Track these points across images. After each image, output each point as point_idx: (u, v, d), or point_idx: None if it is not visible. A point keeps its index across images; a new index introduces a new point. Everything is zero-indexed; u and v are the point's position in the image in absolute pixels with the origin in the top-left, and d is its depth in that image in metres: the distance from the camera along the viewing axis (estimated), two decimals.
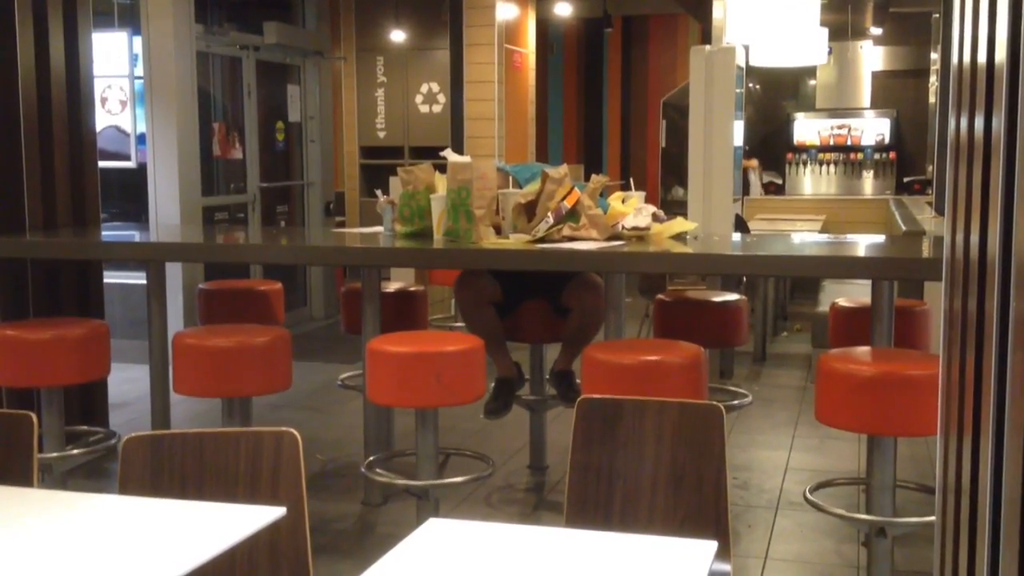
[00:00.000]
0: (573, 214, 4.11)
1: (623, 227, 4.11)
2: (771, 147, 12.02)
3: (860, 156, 11.70)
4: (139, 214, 7.48)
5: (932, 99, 10.77)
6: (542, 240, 4.01)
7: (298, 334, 7.82)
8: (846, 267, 3.77)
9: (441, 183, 4.28)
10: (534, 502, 4.66)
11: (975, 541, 1.69)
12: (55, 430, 4.10)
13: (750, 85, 11.64)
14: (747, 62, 6.83)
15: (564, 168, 4.24)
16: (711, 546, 1.90)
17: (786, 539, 4.10)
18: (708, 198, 6.69)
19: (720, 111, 6.60)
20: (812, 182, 11.82)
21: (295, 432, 2.23)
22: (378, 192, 4.58)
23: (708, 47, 6.21)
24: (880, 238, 4.86)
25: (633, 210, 4.18)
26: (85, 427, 4.64)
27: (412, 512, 3.99)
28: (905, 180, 11.53)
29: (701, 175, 6.61)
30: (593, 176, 4.31)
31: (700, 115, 6.60)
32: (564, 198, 4.11)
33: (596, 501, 2.57)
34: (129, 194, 7.57)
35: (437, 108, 10.83)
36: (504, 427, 4.97)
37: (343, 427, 5.62)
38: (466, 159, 4.16)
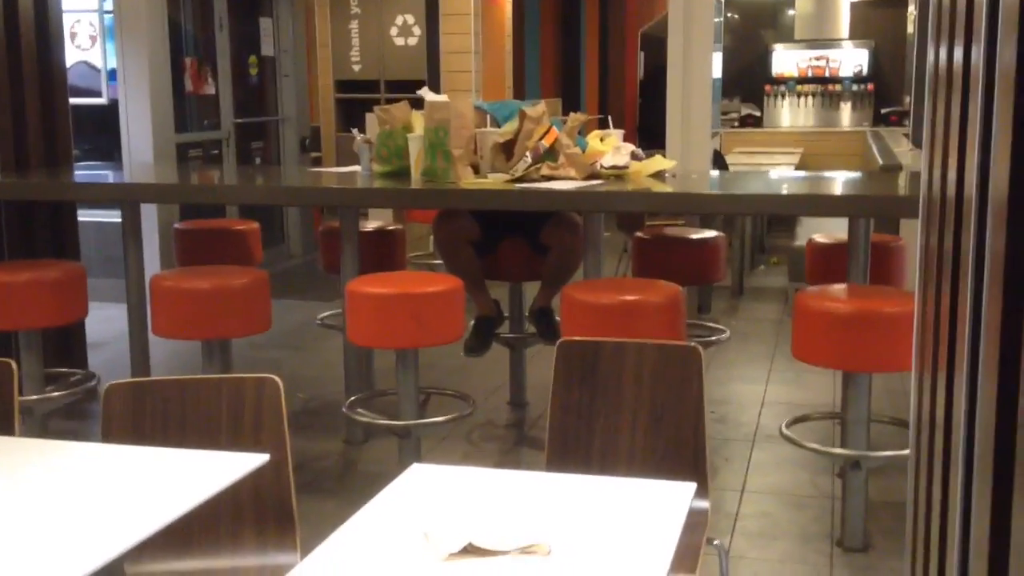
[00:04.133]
0: (551, 153, 4.09)
1: (601, 166, 4.10)
2: (749, 79, 11.95)
3: (838, 88, 11.66)
4: (111, 151, 7.39)
5: (910, 29, 10.72)
6: (520, 180, 4.00)
7: (276, 272, 7.80)
8: (823, 205, 3.78)
9: (418, 122, 4.25)
10: (514, 438, 4.71)
11: (948, 475, 1.72)
12: (34, 373, 4.10)
13: (728, 15, 11.55)
14: (726, 14, 6.76)
15: (542, 106, 4.21)
16: (690, 487, 1.93)
17: (763, 472, 4.17)
18: (686, 131, 6.68)
19: (698, 44, 6.55)
20: (790, 114, 11.79)
21: (276, 378, 2.24)
22: (354, 131, 4.54)
23: None
24: (857, 175, 4.87)
25: (612, 148, 4.16)
26: (64, 369, 4.63)
27: (394, 450, 4.02)
28: (883, 111, 11.51)
29: (680, 108, 6.59)
30: (571, 114, 4.29)
31: (679, 48, 6.55)
32: (542, 137, 4.10)
33: (577, 441, 2.60)
34: (101, 131, 7.47)
35: (412, 41, 10.68)
36: (484, 364, 5.00)
37: (323, 365, 5.64)
38: (443, 98, 4.13)
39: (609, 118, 4.62)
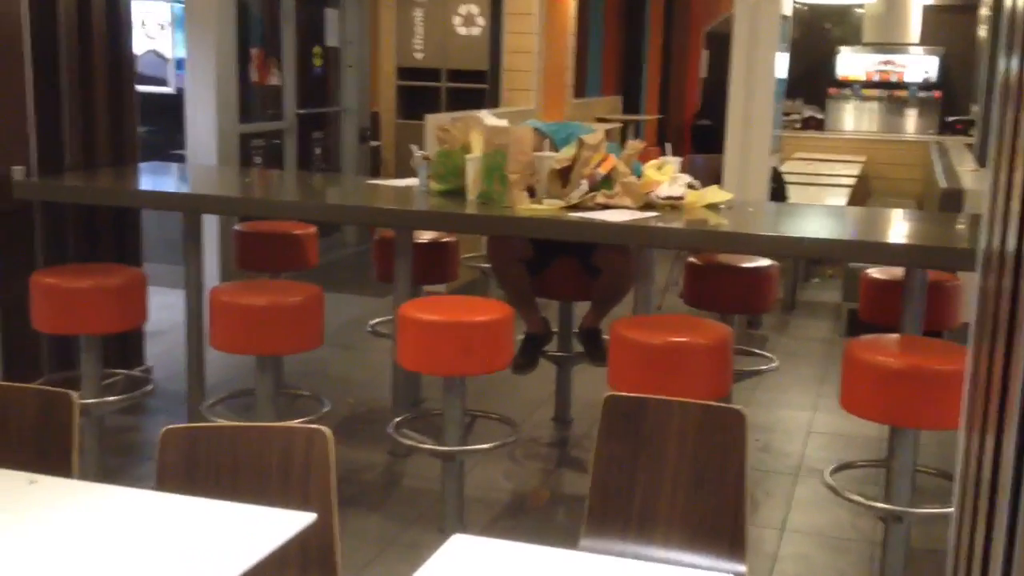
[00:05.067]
0: (607, 181, 4.11)
1: (657, 196, 4.10)
2: (814, 80, 11.81)
3: (904, 94, 11.49)
4: (176, 137, 7.52)
5: (982, 34, 10.52)
6: (575, 207, 4.02)
7: (330, 262, 7.89)
8: (879, 253, 3.76)
9: (477, 142, 4.28)
10: (557, 458, 4.75)
11: (991, 537, 1.72)
12: (93, 375, 4.20)
13: (795, 13, 11.41)
14: (793, 9, 6.69)
15: (600, 133, 4.22)
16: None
17: (804, 510, 4.17)
18: (747, 132, 6.60)
19: (763, 44, 6.44)
20: (854, 119, 11.64)
21: (326, 431, 2.29)
22: (413, 147, 4.58)
23: None
24: (916, 216, 4.82)
25: (668, 178, 4.17)
26: (121, 371, 4.74)
27: (438, 466, 4.08)
28: (948, 120, 11.33)
29: (742, 109, 6.49)
30: (629, 142, 4.29)
31: (743, 48, 6.45)
32: (599, 164, 4.11)
33: (618, 495, 2.63)
34: (167, 119, 7.59)
35: (476, 31, 10.70)
36: (530, 377, 5.02)
37: (372, 368, 5.70)
38: (503, 123, 4.15)
39: (668, 145, 4.61)
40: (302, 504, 2.26)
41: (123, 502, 2.12)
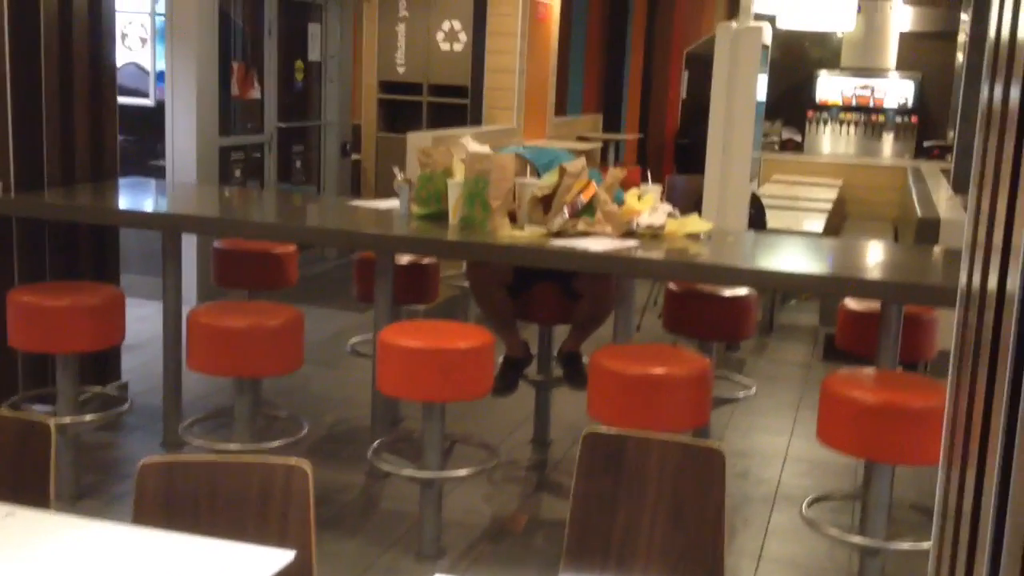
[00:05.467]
0: (589, 208, 4.12)
1: (638, 224, 4.12)
2: (793, 103, 11.90)
3: (882, 118, 11.59)
4: (156, 148, 7.49)
5: (960, 59, 10.63)
6: (557, 234, 4.03)
7: (311, 275, 7.88)
8: (857, 289, 3.79)
9: (459, 168, 4.28)
10: (536, 481, 4.74)
11: (972, 570, 1.72)
12: (70, 393, 4.17)
13: (774, 38, 11.49)
14: (772, 34, 6.74)
15: (582, 161, 4.24)
16: None
17: (780, 538, 4.19)
18: (727, 153, 6.62)
19: (744, 67, 6.46)
20: (831, 141, 11.74)
21: (305, 467, 2.29)
22: (395, 169, 4.58)
23: (735, 24, 6.13)
24: (893, 249, 4.87)
25: (648, 207, 4.19)
26: (99, 388, 4.71)
27: (416, 488, 4.07)
28: (925, 144, 11.44)
29: (721, 130, 6.50)
30: (610, 170, 4.31)
31: (724, 70, 6.47)
32: (580, 192, 4.12)
33: (597, 531, 2.63)
34: (146, 131, 7.56)
35: (458, 47, 10.71)
36: (509, 400, 5.02)
37: (352, 385, 5.69)
38: (485, 149, 4.16)
39: (648, 173, 4.64)
40: (280, 539, 2.25)
41: (100, 536, 2.11)
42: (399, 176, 4.50)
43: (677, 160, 11.70)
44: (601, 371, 3.52)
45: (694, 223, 4.26)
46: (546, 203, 4.16)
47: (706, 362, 3.59)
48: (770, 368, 6.54)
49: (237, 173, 7.70)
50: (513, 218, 4.20)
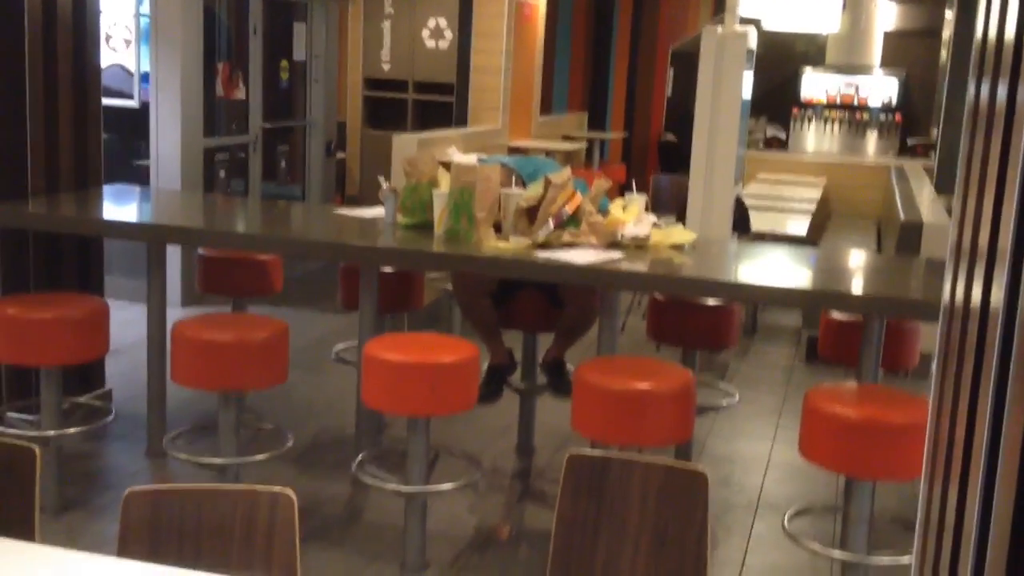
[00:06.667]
0: (574, 219, 4.13)
1: (623, 235, 4.14)
2: (777, 100, 11.93)
3: (866, 116, 11.64)
4: (139, 147, 7.47)
5: (943, 56, 10.67)
6: (542, 245, 4.05)
7: (296, 277, 7.87)
8: (840, 303, 3.81)
9: (444, 178, 4.29)
10: (520, 490, 4.76)
11: None
12: (53, 405, 4.16)
13: (761, 30, 11.50)
14: (758, 36, 6.75)
15: (567, 171, 4.25)
16: None
17: (763, 548, 4.22)
18: (712, 150, 6.62)
19: (730, 65, 6.45)
20: (816, 139, 11.78)
21: (291, 494, 2.30)
22: (381, 178, 4.58)
23: (720, 28, 6.14)
24: (876, 260, 4.90)
25: (633, 218, 4.20)
26: (83, 398, 4.70)
27: (400, 500, 4.08)
28: (908, 142, 11.49)
29: (707, 127, 6.49)
30: (596, 181, 4.32)
31: (710, 68, 6.46)
32: (565, 203, 4.13)
33: (580, 554, 2.65)
34: (130, 133, 7.54)
35: (444, 44, 10.69)
36: (493, 407, 5.04)
37: (336, 392, 5.70)
38: (471, 160, 4.17)
39: (633, 181, 4.65)
40: (265, 567, 2.26)
41: (85, 570, 2.11)
42: (384, 185, 4.50)
43: (661, 159, 11.73)
44: (585, 385, 3.54)
45: (679, 233, 4.28)
46: (531, 214, 4.17)
47: (690, 376, 3.61)
48: (753, 371, 6.57)
49: (222, 174, 7.68)
50: (498, 228, 4.21)
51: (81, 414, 4.65)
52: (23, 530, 2.40)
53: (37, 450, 2.49)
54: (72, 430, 4.27)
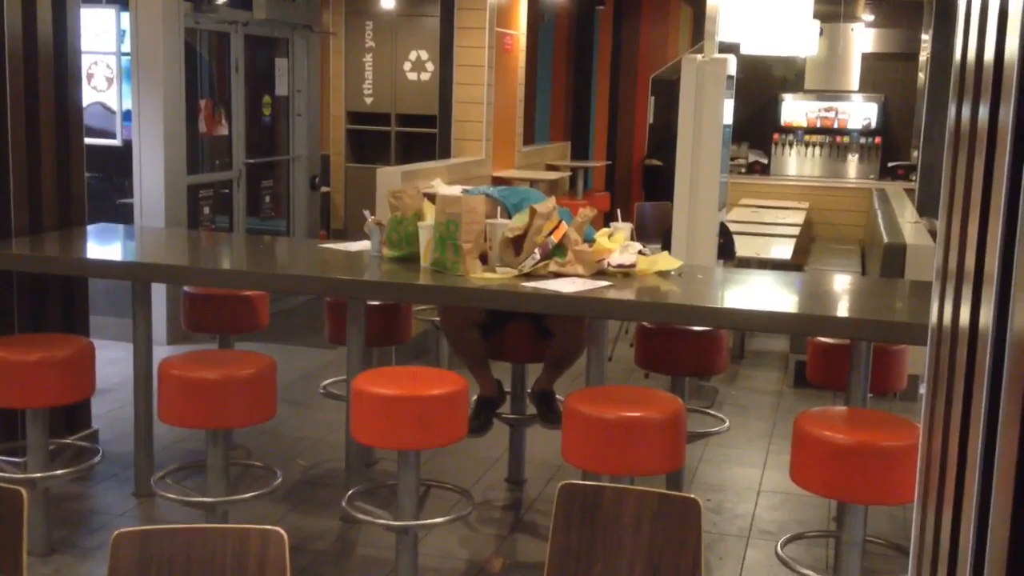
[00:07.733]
0: (560, 249, 4.14)
1: (609, 264, 4.14)
2: (758, 125, 12.01)
3: (846, 140, 11.73)
4: (122, 185, 7.45)
5: (921, 79, 10.76)
6: (528, 275, 4.05)
7: (282, 310, 7.84)
8: (827, 328, 3.82)
9: (429, 210, 4.29)
10: (511, 522, 4.73)
11: None
12: (39, 447, 4.13)
13: (740, 55, 11.59)
14: (737, 63, 6.81)
15: (552, 201, 4.26)
16: None
17: (756, 574, 4.20)
18: (696, 177, 6.65)
19: (711, 92, 6.49)
20: (797, 163, 11.85)
21: (281, 532, 2.28)
22: (366, 212, 4.59)
23: (700, 57, 6.19)
24: (862, 283, 4.92)
25: (619, 247, 4.21)
26: (70, 440, 4.67)
27: (391, 534, 4.06)
28: (889, 165, 11.57)
29: (689, 156, 6.52)
30: (581, 210, 4.33)
31: (690, 96, 6.49)
32: (551, 232, 4.14)
33: None
34: (113, 171, 7.53)
35: (425, 76, 10.75)
36: (483, 439, 5.02)
37: (323, 425, 5.67)
38: (456, 192, 4.18)
39: (619, 211, 4.67)
40: None
41: None
42: (369, 218, 4.50)
43: (646, 183, 11.78)
44: (576, 415, 3.53)
45: (664, 260, 4.29)
46: (517, 244, 4.18)
47: (680, 404, 3.60)
48: (742, 396, 6.57)
49: (206, 210, 7.67)
50: (484, 259, 4.21)
51: (68, 455, 4.61)
52: (11, 574, 2.38)
53: (24, 492, 2.47)
54: (59, 472, 4.23)
